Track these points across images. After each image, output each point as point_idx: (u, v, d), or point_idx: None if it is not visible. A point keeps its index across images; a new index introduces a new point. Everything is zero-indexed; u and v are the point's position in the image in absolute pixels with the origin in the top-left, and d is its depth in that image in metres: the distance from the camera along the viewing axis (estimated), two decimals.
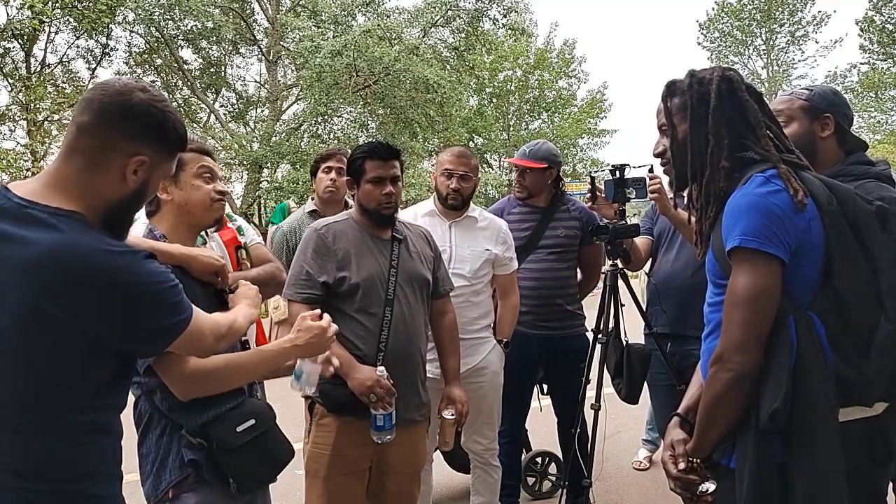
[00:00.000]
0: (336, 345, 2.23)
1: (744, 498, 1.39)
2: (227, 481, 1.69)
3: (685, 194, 1.67)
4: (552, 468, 3.75)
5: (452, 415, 2.48)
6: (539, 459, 3.74)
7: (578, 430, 3.06)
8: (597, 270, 3.52)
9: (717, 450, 1.50)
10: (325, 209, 3.13)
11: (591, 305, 3.32)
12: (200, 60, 21.84)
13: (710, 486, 1.50)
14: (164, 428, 1.70)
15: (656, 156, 1.72)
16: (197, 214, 1.82)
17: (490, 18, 21.40)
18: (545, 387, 3.46)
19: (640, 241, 3.20)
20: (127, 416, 1.85)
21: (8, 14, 16.31)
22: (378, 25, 17.73)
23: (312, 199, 3.25)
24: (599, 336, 3.10)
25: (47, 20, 16.32)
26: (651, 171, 3.06)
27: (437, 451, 3.41)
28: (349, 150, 2.80)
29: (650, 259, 3.23)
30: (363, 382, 2.15)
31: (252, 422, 1.73)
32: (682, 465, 1.52)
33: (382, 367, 2.19)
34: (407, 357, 2.30)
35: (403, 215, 2.81)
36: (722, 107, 1.53)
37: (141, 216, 1.86)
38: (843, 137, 1.97)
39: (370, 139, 19.46)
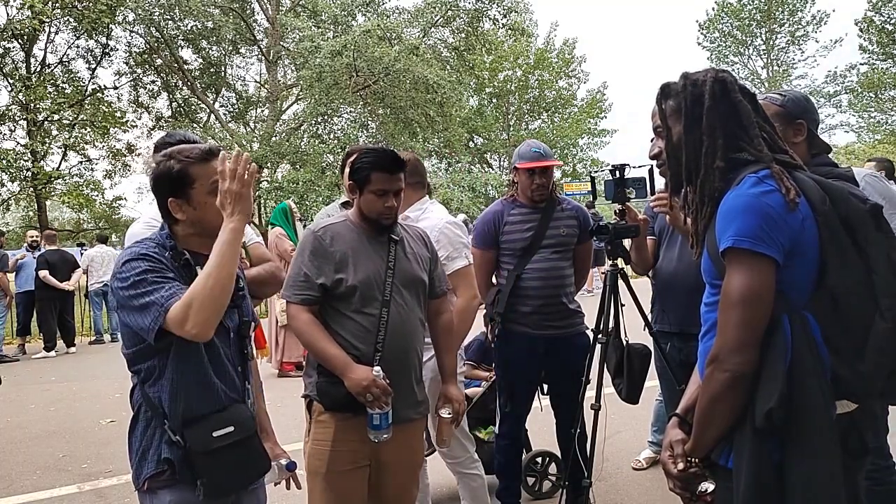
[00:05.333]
0: (333, 344, 2.24)
1: (741, 498, 1.39)
2: (195, 484, 1.70)
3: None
4: (552, 468, 3.76)
5: (449, 413, 2.48)
6: (539, 459, 3.74)
7: (578, 430, 3.07)
8: (587, 269, 3.55)
9: (715, 450, 1.50)
10: None
11: (590, 305, 3.32)
12: (200, 60, 21.85)
13: (708, 486, 1.50)
14: (149, 421, 1.75)
15: (652, 158, 1.73)
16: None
17: (490, 18, 21.41)
18: (545, 387, 3.46)
19: (647, 241, 3.20)
20: (126, 416, 1.87)
21: (8, 14, 16.35)
22: (378, 25, 17.72)
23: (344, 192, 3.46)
24: (599, 336, 3.11)
25: (47, 20, 16.34)
26: (651, 172, 3.06)
27: (437, 451, 3.42)
28: None
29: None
30: (359, 382, 2.15)
31: (230, 429, 1.75)
32: (680, 465, 1.52)
33: (378, 367, 2.19)
34: (404, 356, 2.31)
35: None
36: (716, 108, 1.53)
37: (143, 214, 1.85)
38: (812, 142, 2.06)
39: (370, 139, 19.50)
